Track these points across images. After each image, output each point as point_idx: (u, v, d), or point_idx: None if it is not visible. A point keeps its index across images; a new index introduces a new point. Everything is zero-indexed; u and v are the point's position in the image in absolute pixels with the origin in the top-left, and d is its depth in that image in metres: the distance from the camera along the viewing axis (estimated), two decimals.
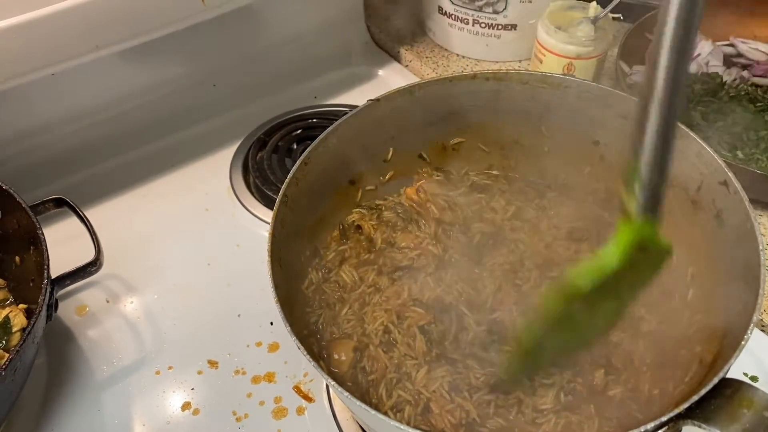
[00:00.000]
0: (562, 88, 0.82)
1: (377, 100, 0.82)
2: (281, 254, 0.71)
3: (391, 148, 0.87)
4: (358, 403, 0.59)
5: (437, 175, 0.89)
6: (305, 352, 0.61)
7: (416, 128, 0.86)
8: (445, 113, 0.86)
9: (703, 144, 0.73)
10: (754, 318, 0.59)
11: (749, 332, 0.58)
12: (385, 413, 0.69)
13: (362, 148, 0.84)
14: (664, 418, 0.56)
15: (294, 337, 0.62)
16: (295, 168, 0.76)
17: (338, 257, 0.83)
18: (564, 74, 0.83)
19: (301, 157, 0.77)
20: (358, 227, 0.85)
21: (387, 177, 0.88)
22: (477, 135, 0.88)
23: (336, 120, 0.81)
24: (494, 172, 0.91)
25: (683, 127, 0.75)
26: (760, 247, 0.64)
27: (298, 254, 0.79)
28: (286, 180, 0.75)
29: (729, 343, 0.60)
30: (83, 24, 0.93)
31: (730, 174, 0.70)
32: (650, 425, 0.56)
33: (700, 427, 0.56)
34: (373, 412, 0.59)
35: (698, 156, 0.74)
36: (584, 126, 0.83)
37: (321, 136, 0.79)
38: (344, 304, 0.78)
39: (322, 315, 0.78)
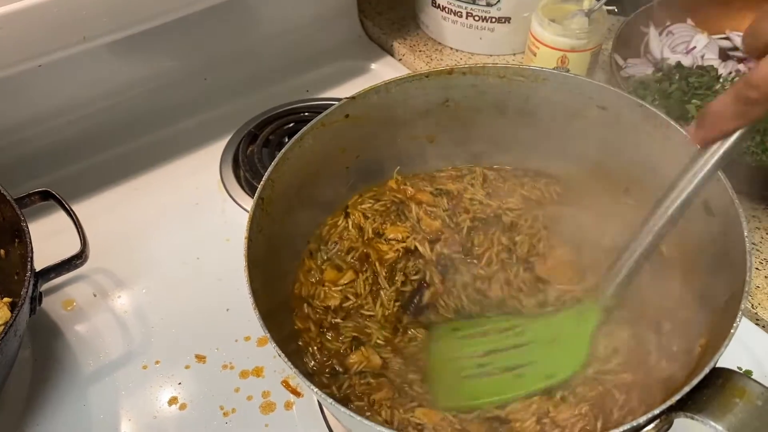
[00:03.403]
0: (539, 80, 0.81)
1: (353, 98, 0.80)
2: (262, 251, 0.71)
3: (370, 146, 0.85)
4: (343, 410, 0.58)
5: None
6: (286, 359, 0.60)
7: (395, 125, 0.84)
8: (423, 110, 0.84)
9: (685, 133, 0.71)
10: (742, 306, 0.58)
11: (738, 320, 0.57)
12: None
13: (340, 147, 0.82)
14: (656, 411, 0.55)
15: (274, 344, 0.61)
16: (270, 169, 0.74)
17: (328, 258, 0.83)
18: (540, 67, 0.82)
19: (276, 159, 0.75)
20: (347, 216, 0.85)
21: (368, 175, 0.87)
22: (456, 130, 0.87)
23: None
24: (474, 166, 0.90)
25: (663, 115, 0.74)
26: (745, 233, 0.63)
27: (283, 251, 0.78)
28: (261, 183, 0.73)
29: (718, 333, 0.59)
30: (70, 14, 0.92)
31: None
32: (642, 419, 0.55)
33: (692, 418, 0.55)
34: (356, 417, 0.58)
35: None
36: (563, 118, 0.82)
37: (296, 137, 0.77)
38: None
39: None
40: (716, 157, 0.62)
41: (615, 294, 0.70)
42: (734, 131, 0.59)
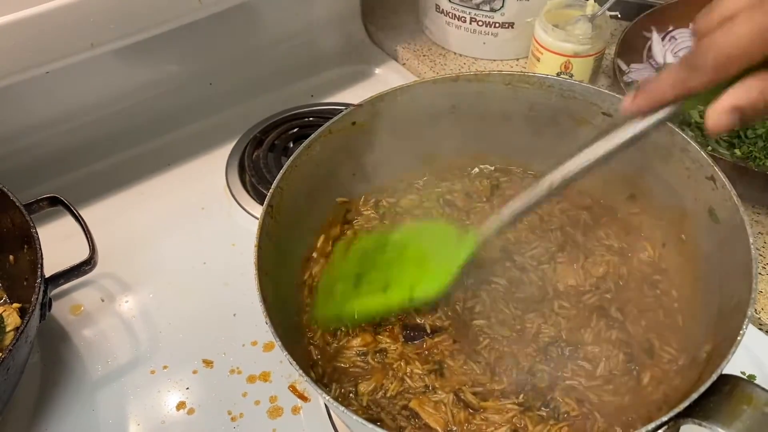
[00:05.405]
0: (544, 87, 0.82)
1: (360, 105, 0.81)
2: (272, 256, 0.71)
3: (377, 152, 0.85)
4: (355, 418, 0.59)
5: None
6: (297, 367, 0.60)
7: (401, 131, 0.85)
8: (429, 116, 0.85)
9: (689, 139, 0.72)
10: (749, 313, 0.58)
11: (744, 328, 0.58)
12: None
13: (347, 154, 0.83)
14: (664, 418, 0.55)
15: (285, 352, 0.61)
16: (279, 177, 0.75)
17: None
18: (546, 74, 0.83)
19: (285, 167, 0.76)
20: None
21: (373, 182, 0.88)
22: (462, 137, 0.88)
23: (331, 118, 0.80)
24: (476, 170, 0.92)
25: (668, 123, 0.74)
26: (751, 241, 0.63)
27: (290, 257, 0.79)
28: (270, 191, 0.73)
29: (725, 340, 0.60)
30: (78, 22, 0.93)
31: (717, 168, 0.69)
32: (650, 425, 0.56)
33: (700, 425, 0.55)
34: (368, 425, 0.58)
35: (683, 151, 0.73)
36: (569, 125, 0.83)
37: (304, 144, 0.78)
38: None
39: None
40: (635, 131, 0.62)
41: (496, 231, 0.73)
42: (671, 101, 0.58)
